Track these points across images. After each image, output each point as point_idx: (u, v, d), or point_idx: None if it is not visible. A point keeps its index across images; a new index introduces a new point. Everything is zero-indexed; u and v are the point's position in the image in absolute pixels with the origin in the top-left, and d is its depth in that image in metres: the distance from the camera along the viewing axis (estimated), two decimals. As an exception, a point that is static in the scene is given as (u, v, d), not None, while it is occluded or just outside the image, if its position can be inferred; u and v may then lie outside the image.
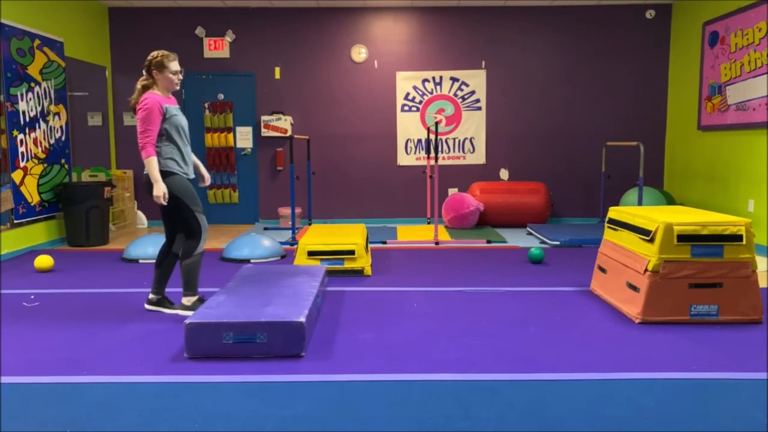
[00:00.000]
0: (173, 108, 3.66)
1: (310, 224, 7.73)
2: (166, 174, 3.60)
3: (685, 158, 7.51)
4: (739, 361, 2.98)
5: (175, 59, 3.65)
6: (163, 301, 3.93)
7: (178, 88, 3.71)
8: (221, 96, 7.97)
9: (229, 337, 3.01)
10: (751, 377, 2.77)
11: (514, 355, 3.07)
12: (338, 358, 3.03)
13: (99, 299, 4.25)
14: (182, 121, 3.70)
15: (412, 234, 6.95)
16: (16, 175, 5.94)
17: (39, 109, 6.30)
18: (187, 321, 3.03)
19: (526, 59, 7.95)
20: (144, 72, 3.66)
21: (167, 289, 4.38)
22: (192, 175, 3.79)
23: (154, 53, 3.62)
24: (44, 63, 6.37)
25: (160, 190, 3.52)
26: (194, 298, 3.79)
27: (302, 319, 3.04)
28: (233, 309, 3.18)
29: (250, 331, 3.01)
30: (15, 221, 5.91)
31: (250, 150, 8.05)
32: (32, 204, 6.18)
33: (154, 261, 5.54)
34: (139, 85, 3.65)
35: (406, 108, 8.04)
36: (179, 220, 3.71)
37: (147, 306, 3.94)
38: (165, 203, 3.57)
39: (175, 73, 3.64)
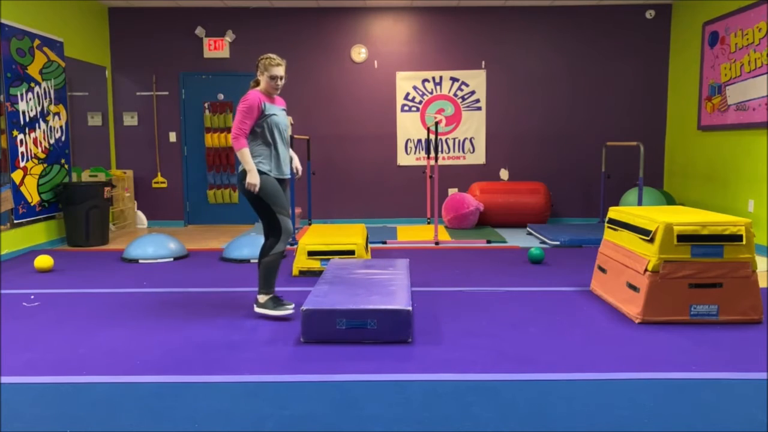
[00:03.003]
0: (274, 107, 3.68)
1: (310, 224, 7.73)
2: None
3: (685, 158, 7.51)
4: (739, 361, 2.98)
5: (279, 65, 3.63)
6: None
7: (277, 92, 3.71)
8: (221, 96, 7.97)
9: (342, 322, 3.25)
10: (751, 377, 2.77)
11: (514, 355, 3.07)
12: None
13: (99, 299, 4.25)
14: (280, 120, 3.70)
15: (412, 234, 6.95)
16: (16, 175, 5.94)
17: (39, 109, 6.30)
18: (304, 307, 3.25)
19: (526, 59, 7.95)
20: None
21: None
22: (287, 175, 3.78)
23: (265, 54, 3.66)
24: (44, 63, 6.37)
25: (254, 177, 3.55)
26: (267, 297, 3.74)
27: (409, 307, 3.27)
28: (342, 298, 3.42)
29: (361, 318, 3.24)
30: (15, 221, 5.91)
31: (250, 150, 8.04)
32: (32, 204, 6.18)
33: (156, 261, 5.54)
34: (252, 82, 3.74)
35: (406, 108, 8.04)
36: (264, 219, 3.72)
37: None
38: (256, 191, 3.58)
39: (274, 78, 3.62)
